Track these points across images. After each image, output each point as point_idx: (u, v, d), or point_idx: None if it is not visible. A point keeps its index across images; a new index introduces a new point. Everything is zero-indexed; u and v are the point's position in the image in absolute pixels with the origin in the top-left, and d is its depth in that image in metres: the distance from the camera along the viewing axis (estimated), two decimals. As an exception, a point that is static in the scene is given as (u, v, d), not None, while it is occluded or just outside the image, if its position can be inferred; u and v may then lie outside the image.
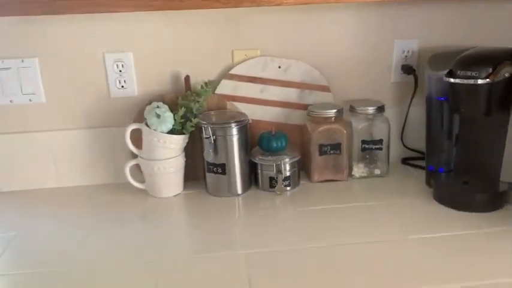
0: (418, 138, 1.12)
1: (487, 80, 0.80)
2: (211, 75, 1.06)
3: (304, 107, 1.07)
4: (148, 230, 0.87)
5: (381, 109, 1.03)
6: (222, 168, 0.97)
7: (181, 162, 1.00)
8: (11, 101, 1.03)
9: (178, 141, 0.97)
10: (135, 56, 1.03)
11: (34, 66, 1.01)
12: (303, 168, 1.05)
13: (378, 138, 1.03)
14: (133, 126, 0.98)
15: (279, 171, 0.97)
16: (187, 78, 1.03)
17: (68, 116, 1.05)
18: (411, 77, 1.08)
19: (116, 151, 1.06)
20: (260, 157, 1.00)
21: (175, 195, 1.01)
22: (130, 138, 0.98)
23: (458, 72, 0.83)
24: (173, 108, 0.97)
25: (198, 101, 0.98)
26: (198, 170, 1.03)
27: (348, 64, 1.08)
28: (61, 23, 0.99)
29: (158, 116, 0.95)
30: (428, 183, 0.99)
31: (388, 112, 1.06)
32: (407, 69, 1.08)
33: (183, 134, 0.97)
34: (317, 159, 1.02)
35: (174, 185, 1.01)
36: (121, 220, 0.91)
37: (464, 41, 1.06)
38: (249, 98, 1.06)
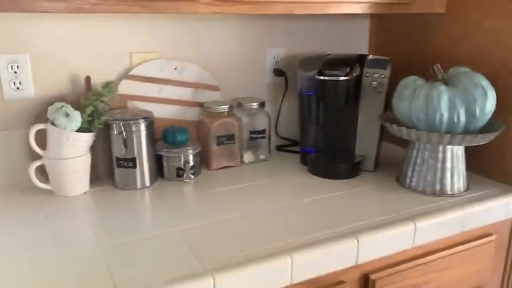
0: (288, 129, 1.37)
1: (347, 77, 1.08)
2: (111, 77, 1.11)
3: (198, 104, 1.21)
4: (59, 226, 0.88)
5: (262, 104, 1.23)
6: (133, 162, 1.04)
7: (88, 160, 1.03)
8: None
9: (87, 139, 1.01)
10: (32, 57, 1.02)
11: None
12: (201, 158, 1.18)
13: (262, 129, 1.24)
14: (38, 126, 0.97)
15: (187, 161, 1.09)
16: (88, 79, 1.07)
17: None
18: (282, 78, 1.32)
19: (12, 155, 1.03)
20: (166, 150, 1.10)
21: (84, 193, 1.03)
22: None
23: (326, 71, 1.08)
24: (75, 109, 1.00)
25: (102, 101, 1.03)
26: (98, 168, 1.07)
27: (232, 67, 1.26)
28: None
29: (67, 115, 0.97)
30: (303, 162, 1.23)
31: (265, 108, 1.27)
32: (278, 72, 1.31)
33: (91, 132, 1.01)
34: (215, 149, 1.16)
35: (81, 183, 1.03)
36: (29, 220, 0.90)
37: (319, 49, 1.35)
38: (148, 97, 1.15)
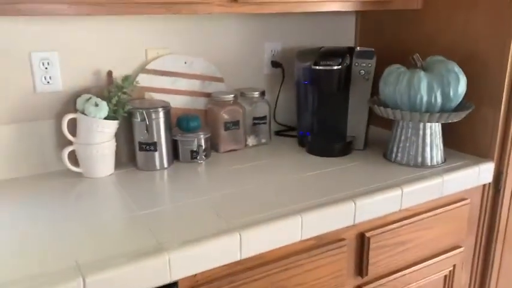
0: (285, 116, 1.52)
1: (339, 66, 1.23)
2: (129, 71, 1.24)
3: (205, 94, 1.35)
4: (96, 203, 1.02)
5: (263, 94, 1.37)
6: (154, 146, 1.17)
7: (114, 145, 1.16)
8: None
9: (113, 126, 1.13)
10: (60, 54, 1.14)
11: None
12: (210, 143, 1.32)
13: (263, 115, 1.38)
14: (70, 116, 1.10)
15: (200, 144, 1.23)
16: (109, 73, 1.19)
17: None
18: (278, 70, 1.46)
19: (44, 142, 1.15)
20: (180, 135, 1.23)
21: (110, 175, 1.16)
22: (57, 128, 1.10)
23: (321, 62, 1.24)
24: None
25: (125, 92, 1.16)
26: (119, 153, 1.20)
27: (234, 60, 1.40)
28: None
29: (96, 104, 1.09)
30: (300, 144, 1.38)
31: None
32: (275, 64, 1.46)
33: (116, 119, 1.14)
34: (223, 134, 1.30)
35: (108, 166, 1.16)
36: (65, 200, 1.03)
37: (311, 42, 1.50)
38: (163, 89, 1.28)
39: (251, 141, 1.38)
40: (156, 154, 1.18)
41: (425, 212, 1.13)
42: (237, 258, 0.86)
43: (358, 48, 1.31)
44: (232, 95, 1.31)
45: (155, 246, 0.80)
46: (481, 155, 1.23)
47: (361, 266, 1.07)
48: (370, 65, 1.27)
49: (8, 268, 0.75)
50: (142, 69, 1.25)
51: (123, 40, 1.22)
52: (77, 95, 1.15)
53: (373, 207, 1.02)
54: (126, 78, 1.18)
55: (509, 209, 1.27)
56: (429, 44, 1.33)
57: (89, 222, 0.91)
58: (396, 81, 1.14)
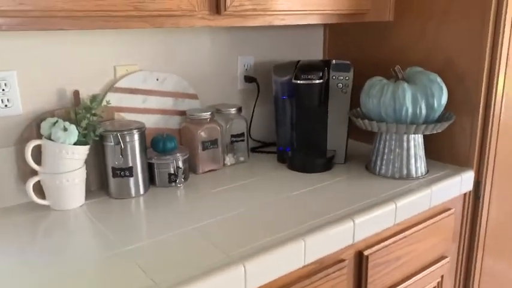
0: (260, 132, 1.47)
1: (321, 80, 1.20)
2: (96, 90, 1.13)
3: (179, 112, 1.26)
4: (66, 240, 0.90)
5: (239, 110, 1.31)
6: (130, 171, 1.07)
7: (84, 173, 1.04)
8: None
9: (84, 152, 1.02)
10: (19, 74, 1.01)
11: None
12: (188, 164, 1.23)
13: (240, 133, 1.32)
14: (35, 142, 0.98)
15: (178, 167, 1.14)
16: (76, 93, 1.08)
17: None
18: (252, 85, 1.41)
19: (3, 173, 1.01)
20: (156, 157, 1.14)
21: (81, 206, 1.04)
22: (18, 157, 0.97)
23: (302, 76, 1.20)
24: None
25: (95, 114, 1.05)
26: (89, 180, 1.08)
27: (208, 76, 1.33)
28: None
29: (65, 129, 0.98)
30: (280, 160, 1.33)
31: (241, 112, 1.36)
32: (248, 78, 1.40)
33: (87, 144, 1.03)
34: (201, 154, 1.22)
35: (78, 196, 1.04)
36: (31, 237, 0.90)
37: (281, 56, 1.46)
38: (133, 108, 1.18)
39: (229, 160, 1.31)
40: (132, 180, 1.08)
41: (416, 224, 1.12)
42: (242, 292, 0.79)
43: (334, 61, 1.29)
44: (209, 113, 1.24)
45: (153, 288, 0.72)
46: (461, 164, 1.25)
47: (360, 286, 1.03)
48: (347, 77, 1.26)
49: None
50: (111, 88, 1.15)
51: (89, 57, 1.11)
52: (39, 118, 1.03)
53: (370, 224, 0.99)
54: (94, 98, 1.07)
55: (488, 215, 1.30)
56: (402, 56, 1.34)
57: (64, 263, 0.79)
58: (380, 94, 1.13)
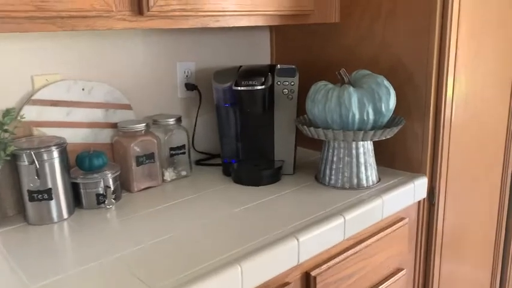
0: (205, 143, 1.37)
1: (263, 86, 1.12)
2: (11, 103, 1.00)
3: (110, 125, 1.15)
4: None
5: (179, 120, 1.21)
6: (48, 194, 0.95)
7: (-6, 198, 0.92)
8: None
9: (-8, 174, 0.90)
10: None
11: None
12: (121, 182, 1.11)
13: (181, 145, 1.22)
14: None
15: (107, 186, 1.02)
16: (-16, 107, 0.95)
17: None
18: (194, 93, 1.31)
19: None
20: (82, 177, 1.02)
21: (-9, 236, 0.91)
22: None
23: (242, 82, 1.11)
24: (-28, 141, 0.89)
25: (6, 130, 0.93)
26: (4, 205, 0.96)
27: (143, 84, 1.22)
28: None
29: (-34, 149, 0.85)
30: (225, 173, 1.24)
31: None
32: (190, 86, 1.30)
33: (-5, 165, 0.90)
34: (135, 170, 1.11)
35: (-13, 225, 0.91)
36: None
37: (226, 61, 1.37)
38: (55, 122, 1.06)
39: (169, 175, 1.20)
40: (52, 203, 0.96)
41: (368, 238, 1.04)
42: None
43: (278, 66, 1.21)
44: (144, 124, 1.13)
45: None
46: (413, 170, 1.19)
47: (308, 310, 0.94)
48: (293, 83, 1.18)
49: None
50: (28, 101, 1.02)
51: (0, 66, 0.99)
52: None
53: (317, 241, 0.90)
54: (7, 113, 0.95)
55: (444, 222, 1.24)
56: (351, 58, 1.28)
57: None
58: (325, 99, 1.05)
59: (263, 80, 1.12)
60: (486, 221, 1.49)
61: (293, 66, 1.20)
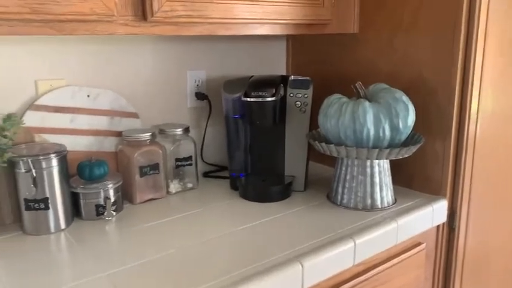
0: (215, 154, 1.32)
1: (273, 98, 1.06)
2: (13, 108, 0.98)
3: (116, 134, 1.11)
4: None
5: (186, 130, 1.17)
6: (45, 203, 0.91)
7: (-11, 205, 0.89)
8: None
9: (-12, 181, 0.87)
10: None
11: None
12: (123, 192, 1.08)
13: (187, 156, 1.17)
14: None
15: (107, 197, 0.99)
16: (-16, 111, 0.93)
17: None
18: (204, 102, 1.27)
19: None
20: (82, 186, 0.99)
21: (-15, 245, 0.88)
22: None
23: (252, 93, 1.06)
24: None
25: (5, 135, 0.90)
26: (1, 213, 0.93)
27: (151, 92, 1.19)
28: None
29: (-39, 154, 0.83)
30: (233, 187, 1.18)
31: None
32: (200, 95, 1.26)
33: (-8, 172, 0.87)
34: (138, 181, 1.07)
35: (-19, 233, 0.88)
36: None
37: (238, 71, 1.33)
38: (59, 129, 1.03)
39: (174, 187, 1.15)
40: (50, 213, 0.92)
41: (381, 264, 0.97)
42: None
43: (292, 77, 1.16)
44: (149, 133, 1.09)
45: None
46: (433, 192, 1.11)
47: None
48: (306, 95, 1.12)
49: None
50: (31, 106, 1.00)
51: (4, 69, 0.97)
52: None
53: (323, 267, 0.84)
54: (8, 118, 0.92)
55: (465, 249, 1.16)
56: (369, 71, 1.21)
57: None
58: (339, 114, 0.99)
59: (274, 91, 1.07)
60: (510, 248, 1.39)
61: (307, 78, 1.15)
